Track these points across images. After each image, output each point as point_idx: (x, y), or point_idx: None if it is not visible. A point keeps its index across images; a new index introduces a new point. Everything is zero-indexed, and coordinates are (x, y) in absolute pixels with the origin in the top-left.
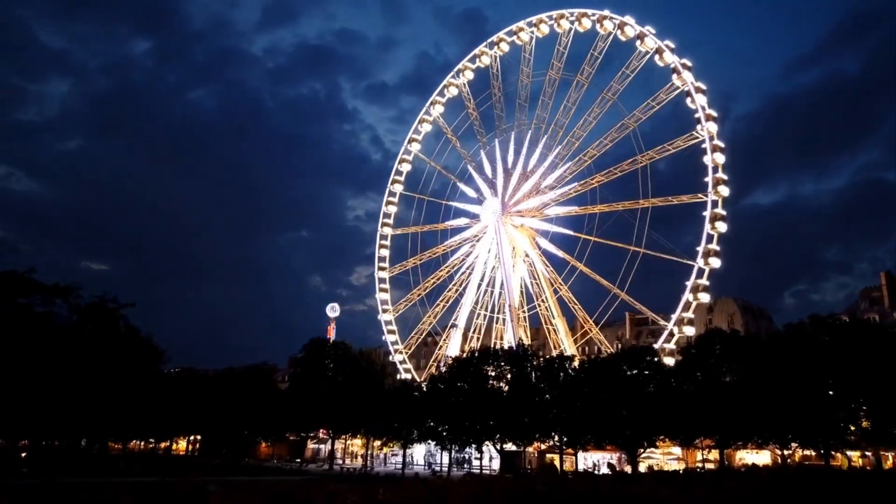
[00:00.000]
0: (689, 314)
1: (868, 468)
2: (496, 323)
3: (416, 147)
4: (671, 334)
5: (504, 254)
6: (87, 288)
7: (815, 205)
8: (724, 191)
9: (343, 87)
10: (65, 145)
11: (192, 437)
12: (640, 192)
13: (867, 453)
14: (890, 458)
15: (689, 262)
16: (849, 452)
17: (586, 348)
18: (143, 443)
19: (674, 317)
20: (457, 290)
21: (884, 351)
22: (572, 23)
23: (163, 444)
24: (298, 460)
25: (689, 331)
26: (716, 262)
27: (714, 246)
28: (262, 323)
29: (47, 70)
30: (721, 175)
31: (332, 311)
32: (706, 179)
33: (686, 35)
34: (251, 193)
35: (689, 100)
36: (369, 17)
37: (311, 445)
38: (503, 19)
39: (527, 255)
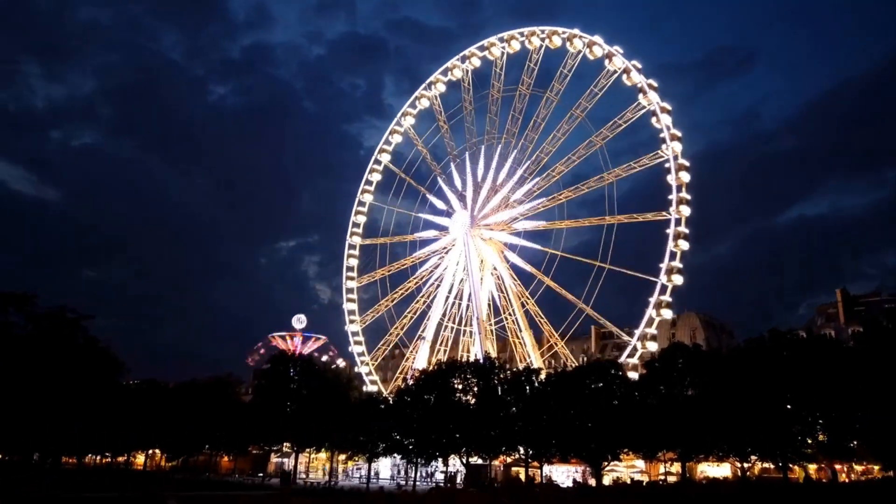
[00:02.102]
0: (652, 330)
1: (824, 481)
2: (463, 335)
3: (386, 157)
4: (634, 349)
5: (472, 266)
6: (91, 294)
7: (852, 216)
8: (686, 210)
9: (386, 83)
10: (76, 142)
11: (150, 451)
12: (606, 209)
13: (823, 466)
14: (845, 470)
15: (653, 279)
16: (806, 465)
17: (552, 361)
18: (99, 457)
19: (637, 332)
20: (424, 302)
21: (839, 366)
22: (543, 40)
23: (120, 459)
24: (261, 474)
25: (652, 346)
26: (678, 279)
27: (676, 263)
28: (263, 330)
29: (65, 57)
30: (684, 194)
31: (299, 322)
32: (670, 197)
33: (767, 39)
34: (267, 195)
35: (654, 119)
36: (435, 6)
37: (274, 459)
38: (579, 16)
39: (495, 268)
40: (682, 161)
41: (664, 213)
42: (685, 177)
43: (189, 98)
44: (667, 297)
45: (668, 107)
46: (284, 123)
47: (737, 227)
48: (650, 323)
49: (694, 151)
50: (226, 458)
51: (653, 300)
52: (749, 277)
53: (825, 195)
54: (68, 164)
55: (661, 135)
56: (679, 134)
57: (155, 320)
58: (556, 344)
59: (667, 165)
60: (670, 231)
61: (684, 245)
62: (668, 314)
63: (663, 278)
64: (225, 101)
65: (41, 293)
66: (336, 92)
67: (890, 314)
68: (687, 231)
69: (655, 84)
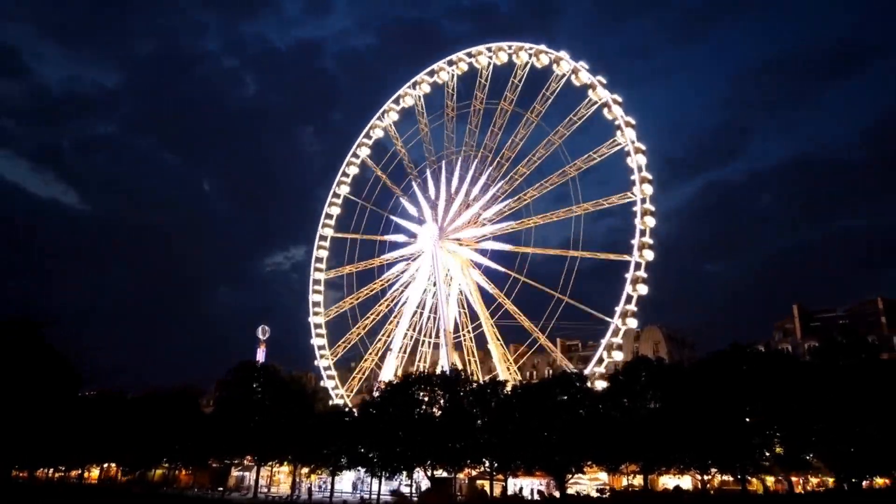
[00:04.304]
0: (632, 307)
1: (781, 492)
2: (422, 346)
3: (364, 152)
4: (616, 330)
5: (440, 278)
6: (90, 296)
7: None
8: (648, 189)
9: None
10: (90, 134)
11: (106, 465)
12: (572, 201)
13: (780, 478)
14: (801, 483)
15: (626, 258)
16: (764, 477)
17: (518, 374)
18: (52, 471)
19: (617, 310)
20: (388, 306)
21: (795, 379)
22: (530, 56)
23: (74, 473)
24: (221, 489)
25: (632, 322)
26: (649, 255)
27: (647, 239)
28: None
29: (89, 41)
30: (645, 174)
31: (263, 332)
32: (632, 178)
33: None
34: (286, 197)
35: (628, 159)
36: None
37: (234, 473)
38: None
39: (464, 277)
40: (638, 145)
41: (629, 195)
42: (642, 159)
43: (222, 93)
44: (641, 273)
45: (619, 99)
46: (317, 120)
47: (785, 236)
48: (629, 300)
49: (776, 160)
50: (185, 472)
51: (629, 276)
52: (780, 289)
53: (869, 208)
54: (79, 160)
55: (616, 123)
56: (633, 121)
57: (157, 324)
58: (538, 338)
59: (634, 209)
60: (637, 209)
61: (651, 222)
62: (643, 290)
63: (636, 255)
64: (260, 96)
65: (39, 296)
66: (380, 86)
67: (844, 330)
68: (652, 208)
69: (633, 122)
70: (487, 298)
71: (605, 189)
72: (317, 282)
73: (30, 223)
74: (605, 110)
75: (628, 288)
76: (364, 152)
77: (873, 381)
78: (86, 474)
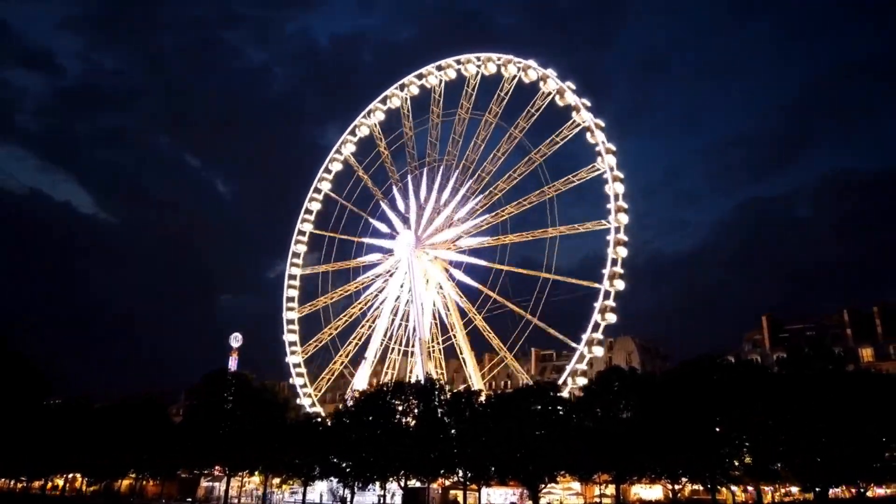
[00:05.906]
0: (598, 335)
1: (750, 502)
2: (411, 356)
3: (326, 185)
4: (581, 356)
5: (416, 286)
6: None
7: None
8: (624, 218)
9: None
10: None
11: (71, 475)
12: (548, 222)
13: (749, 488)
14: (769, 492)
15: (596, 286)
16: (733, 487)
17: (492, 383)
18: (13, 481)
19: (584, 337)
20: (370, 327)
21: (764, 390)
22: (479, 66)
23: (37, 483)
24: (189, 500)
25: (598, 351)
26: (620, 285)
27: (618, 269)
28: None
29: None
30: (621, 203)
31: (236, 340)
32: (608, 206)
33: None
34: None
35: (588, 135)
36: None
37: (204, 483)
38: None
39: (440, 288)
40: (616, 173)
41: (604, 222)
42: (620, 187)
43: (249, 89)
44: (610, 302)
45: (602, 123)
46: (344, 118)
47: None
48: (596, 328)
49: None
50: (152, 483)
51: (597, 305)
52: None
53: None
54: (93, 160)
55: (597, 149)
56: (613, 148)
57: (161, 327)
58: (505, 357)
59: (605, 177)
60: (610, 238)
61: (623, 251)
62: (612, 318)
63: (606, 284)
64: (286, 94)
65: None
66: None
67: (810, 341)
68: (626, 238)
69: (588, 103)
70: (467, 302)
71: (582, 212)
72: (290, 321)
73: (44, 224)
74: (559, 97)
75: (596, 316)
76: (325, 186)
77: (839, 392)
78: (49, 484)
